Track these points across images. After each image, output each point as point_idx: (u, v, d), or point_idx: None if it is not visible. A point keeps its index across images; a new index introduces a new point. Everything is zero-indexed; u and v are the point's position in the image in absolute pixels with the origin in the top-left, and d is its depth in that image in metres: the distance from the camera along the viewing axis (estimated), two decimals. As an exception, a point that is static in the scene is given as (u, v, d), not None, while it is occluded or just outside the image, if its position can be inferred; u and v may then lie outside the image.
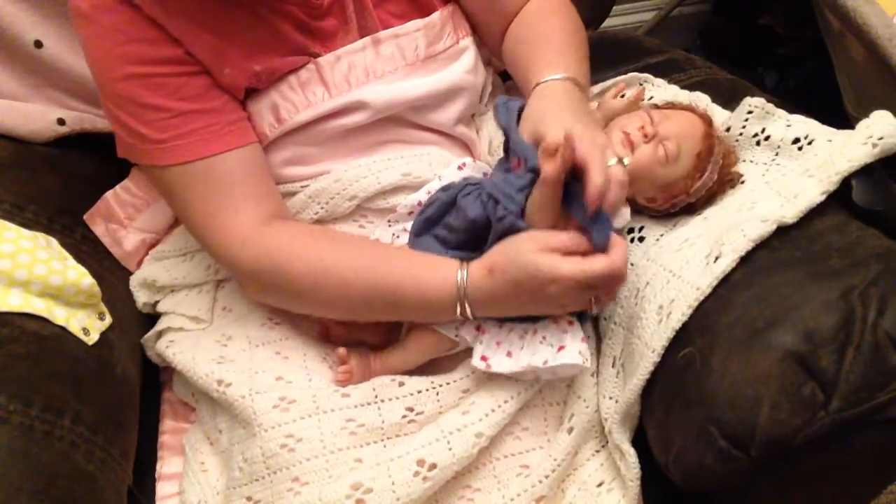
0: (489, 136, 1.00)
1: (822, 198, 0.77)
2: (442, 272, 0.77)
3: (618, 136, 0.86)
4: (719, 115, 0.94)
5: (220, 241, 0.81)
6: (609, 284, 0.75)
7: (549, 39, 0.89)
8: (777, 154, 0.85)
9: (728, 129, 0.90)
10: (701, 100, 0.96)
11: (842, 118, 0.83)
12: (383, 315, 0.83)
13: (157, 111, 0.77)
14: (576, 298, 0.74)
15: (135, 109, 0.77)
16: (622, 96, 0.95)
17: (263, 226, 0.81)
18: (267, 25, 0.81)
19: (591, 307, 0.78)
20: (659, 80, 1.01)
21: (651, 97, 0.99)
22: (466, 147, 0.99)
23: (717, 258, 0.77)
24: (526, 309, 0.77)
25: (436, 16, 0.90)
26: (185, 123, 0.78)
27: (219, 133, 0.80)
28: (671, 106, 0.92)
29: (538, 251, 0.72)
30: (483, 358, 0.79)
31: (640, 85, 1.00)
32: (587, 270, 0.71)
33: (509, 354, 0.78)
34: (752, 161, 0.87)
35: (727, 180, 0.87)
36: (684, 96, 0.98)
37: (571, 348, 0.76)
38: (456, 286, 0.76)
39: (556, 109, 0.78)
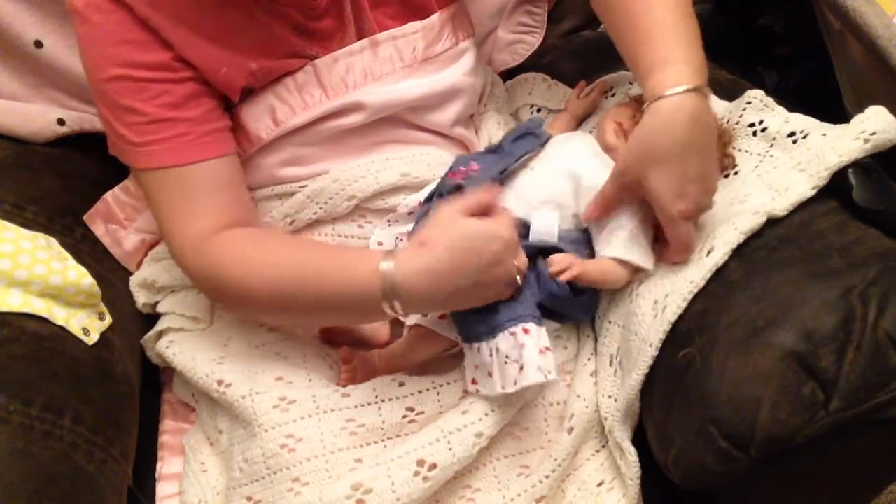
0: (488, 136, 1.01)
1: (813, 192, 0.77)
2: (367, 260, 0.75)
3: (611, 127, 0.87)
4: (718, 105, 0.94)
5: (177, 248, 0.81)
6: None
7: (659, 19, 0.77)
8: (772, 146, 0.85)
9: (727, 121, 0.91)
10: None
11: (842, 118, 0.83)
12: (317, 315, 0.83)
13: (135, 114, 0.77)
14: (514, 257, 0.75)
15: (116, 110, 0.78)
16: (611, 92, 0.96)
17: (215, 235, 0.81)
18: (263, 28, 0.81)
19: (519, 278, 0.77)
20: None
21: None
22: (465, 147, 0.99)
23: (709, 252, 0.77)
24: (459, 287, 0.72)
25: (434, 18, 0.90)
26: (160, 130, 0.78)
27: (191, 143, 0.80)
28: None
29: (463, 215, 0.74)
30: (473, 382, 0.79)
31: (630, 84, 1.01)
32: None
33: (490, 374, 0.78)
34: (746, 151, 0.87)
35: (723, 162, 0.87)
36: None
37: (530, 366, 0.74)
38: (381, 275, 0.72)
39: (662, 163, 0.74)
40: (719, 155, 0.87)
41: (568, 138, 0.92)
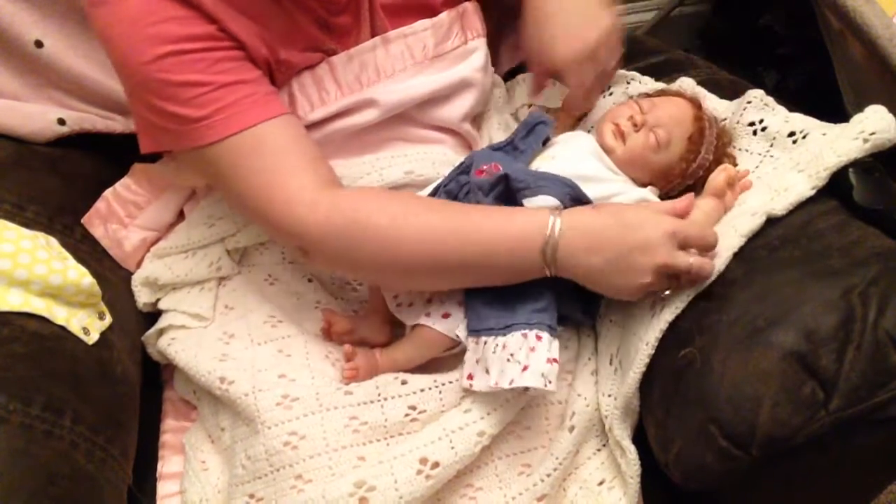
0: (489, 136, 1.01)
1: (812, 192, 0.77)
2: (534, 212, 0.76)
3: (608, 128, 0.88)
4: (719, 105, 0.94)
5: (285, 208, 0.77)
6: (698, 246, 0.75)
7: None
8: (772, 146, 0.86)
9: (725, 119, 0.91)
10: (686, 83, 0.97)
11: (842, 118, 0.83)
12: (468, 269, 0.78)
13: (195, 87, 0.74)
14: (668, 255, 0.73)
15: (170, 90, 0.74)
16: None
17: (332, 187, 0.78)
18: (288, 17, 0.81)
19: (669, 286, 0.76)
20: (645, 78, 1.01)
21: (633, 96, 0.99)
22: (470, 146, 1.00)
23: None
24: (609, 261, 0.74)
25: (443, 16, 0.92)
26: (226, 95, 0.75)
27: (259, 102, 0.77)
28: (661, 93, 0.93)
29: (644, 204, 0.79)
30: (469, 377, 0.79)
31: (627, 83, 1.01)
32: (688, 224, 0.76)
33: (487, 371, 0.78)
34: (746, 150, 0.88)
35: (724, 160, 0.88)
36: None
37: (534, 370, 0.75)
38: (547, 222, 0.74)
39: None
40: (719, 154, 0.87)
41: (570, 139, 0.92)
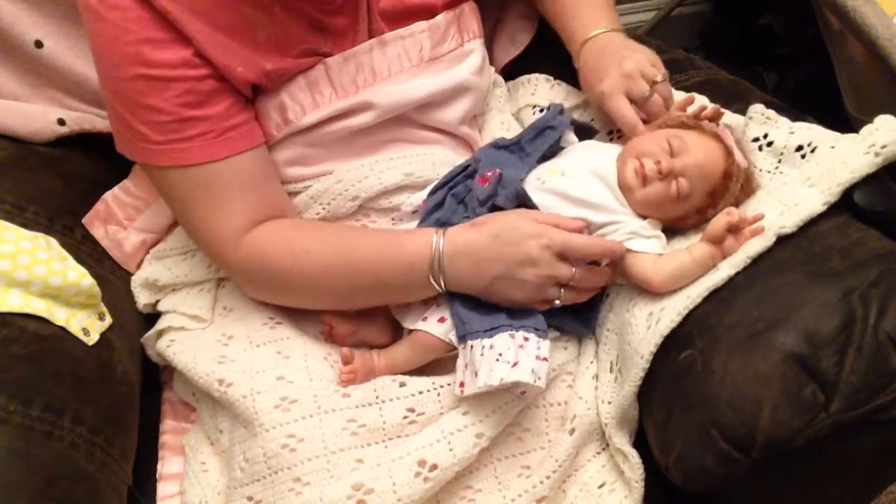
0: (491, 136, 1.01)
1: (824, 208, 0.76)
2: (420, 235, 0.81)
3: (632, 165, 0.83)
4: (732, 119, 0.91)
5: (215, 245, 0.83)
6: (578, 257, 0.80)
7: None
8: (780, 161, 0.84)
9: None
10: (736, 121, 0.91)
11: (842, 118, 0.83)
12: (369, 293, 0.85)
13: (158, 113, 0.76)
14: (549, 266, 0.78)
15: (136, 108, 0.77)
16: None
17: (254, 227, 0.83)
18: (279, 24, 0.81)
19: (560, 294, 0.80)
20: None
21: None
22: (469, 147, 0.99)
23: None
24: (497, 276, 0.78)
25: (440, 18, 0.91)
26: (184, 129, 0.78)
27: (216, 141, 0.79)
28: (696, 125, 0.86)
29: (527, 216, 0.80)
30: (461, 385, 0.79)
31: None
32: (568, 236, 0.78)
33: (476, 375, 0.77)
34: (754, 167, 0.86)
35: (739, 198, 0.84)
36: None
37: (524, 366, 0.75)
38: (431, 245, 0.79)
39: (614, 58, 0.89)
40: (738, 202, 0.84)
41: (586, 152, 0.90)
